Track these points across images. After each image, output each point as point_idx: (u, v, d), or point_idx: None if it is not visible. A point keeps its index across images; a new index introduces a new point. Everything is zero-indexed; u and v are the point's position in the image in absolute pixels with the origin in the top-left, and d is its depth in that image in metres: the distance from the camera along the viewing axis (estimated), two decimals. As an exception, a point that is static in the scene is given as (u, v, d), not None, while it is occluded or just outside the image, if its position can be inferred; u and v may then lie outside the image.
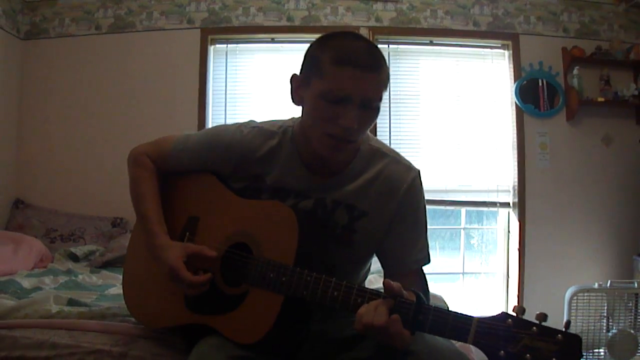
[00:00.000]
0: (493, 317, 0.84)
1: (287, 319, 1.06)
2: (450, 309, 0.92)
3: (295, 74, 1.15)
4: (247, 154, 1.22)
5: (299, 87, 1.13)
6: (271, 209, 1.15)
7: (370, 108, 1.07)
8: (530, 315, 0.84)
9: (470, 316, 0.87)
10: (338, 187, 1.20)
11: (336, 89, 1.04)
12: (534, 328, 0.81)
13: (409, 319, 0.90)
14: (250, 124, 1.26)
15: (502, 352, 0.81)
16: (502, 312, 0.84)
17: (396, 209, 1.19)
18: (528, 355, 0.79)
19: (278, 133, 1.23)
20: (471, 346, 1.48)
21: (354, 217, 1.19)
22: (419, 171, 1.23)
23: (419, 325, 0.90)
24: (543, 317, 0.81)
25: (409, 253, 1.20)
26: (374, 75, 1.05)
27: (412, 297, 0.94)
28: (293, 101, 1.16)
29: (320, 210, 1.19)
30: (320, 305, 1.04)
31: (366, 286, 1.07)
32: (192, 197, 1.30)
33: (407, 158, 1.25)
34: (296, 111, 1.23)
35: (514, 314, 0.83)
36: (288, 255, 1.07)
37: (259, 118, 1.31)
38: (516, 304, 0.85)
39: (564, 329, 0.80)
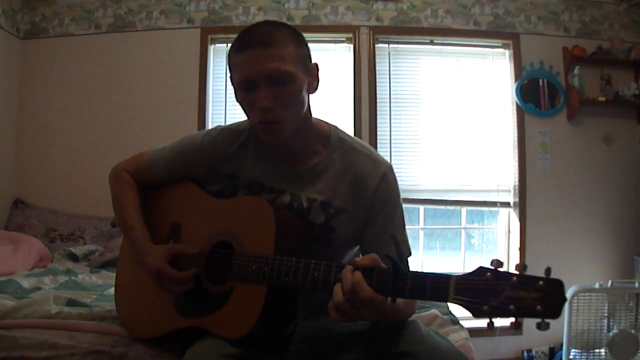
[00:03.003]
0: (471, 272, 0.83)
1: (273, 309, 1.06)
2: (428, 272, 0.90)
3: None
4: (218, 154, 1.25)
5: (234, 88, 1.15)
6: (247, 204, 1.18)
7: (281, 82, 1.07)
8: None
9: (448, 274, 0.86)
10: (309, 180, 1.20)
11: (241, 76, 1.07)
12: (514, 278, 0.78)
13: (389, 287, 0.89)
14: (218, 127, 1.30)
15: (485, 307, 0.79)
16: (479, 267, 0.82)
17: (370, 205, 1.19)
18: (511, 306, 0.77)
19: (245, 130, 1.26)
20: (471, 345, 1.48)
21: (330, 215, 1.19)
22: (389, 166, 1.23)
23: (399, 291, 0.89)
24: (522, 267, 0.79)
25: (388, 248, 1.19)
26: (270, 50, 1.05)
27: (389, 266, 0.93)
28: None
29: (296, 206, 1.20)
30: (306, 295, 1.04)
31: None
32: (172, 205, 1.33)
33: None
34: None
35: (492, 268, 0.81)
36: (267, 245, 1.08)
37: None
38: (494, 258, 0.82)
39: (544, 275, 0.77)
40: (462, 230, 3.46)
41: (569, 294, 2.75)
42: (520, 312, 0.77)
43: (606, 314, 2.71)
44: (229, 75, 1.15)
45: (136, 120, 3.16)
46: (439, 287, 0.84)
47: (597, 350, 2.72)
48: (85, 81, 3.23)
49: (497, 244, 3.41)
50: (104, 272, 2.37)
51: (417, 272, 0.89)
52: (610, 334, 2.67)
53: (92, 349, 1.32)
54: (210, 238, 1.19)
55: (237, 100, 1.16)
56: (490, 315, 0.79)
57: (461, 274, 0.83)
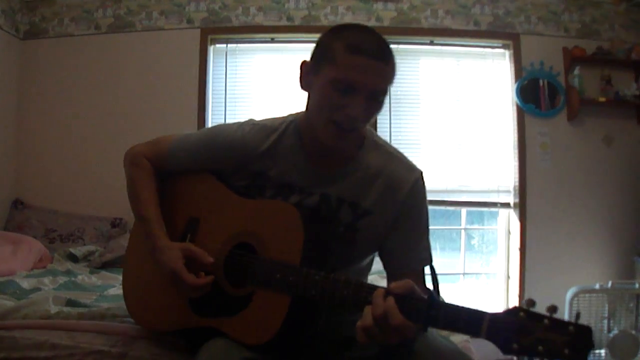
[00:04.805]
0: (505, 311, 0.85)
1: (295, 319, 1.05)
2: (460, 305, 0.91)
3: (305, 60, 1.15)
4: (249, 151, 1.21)
5: (309, 73, 1.13)
6: (275, 208, 1.14)
7: (376, 100, 1.08)
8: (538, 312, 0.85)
9: (482, 311, 0.87)
10: (341, 179, 1.19)
11: (347, 76, 1.04)
12: (546, 320, 0.81)
13: (422, 315, 0.89)
14: (251, 122, 1.26)
15: (514, 345, 0.81)
16: (515, 306, 0.85)
17: (399, 209, 1.19)
18: (540, 347, 0.79)
19: (279, 128, 1.22)
20: (471, 347, 1.48)
21: (358, 215, 1.18)
22: (421, 172, 1.23)
23: (432, 321, 0.89)
24: (553, 309, 0.82)
25: (411, 253, 1.20)
26: (384, 66, 1.06)
27: (424, 294, 0.93)
28: (301, 86, 1.16)
29: (324, 207, 1.18)
30: (328, 305, 1.02)
31: None
32: (192, 197, 1.28)
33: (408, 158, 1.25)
34: (296, 109, 1.23)
35: (526, 308, 0.84)
36: (294, 255, 1.06)
37: (259, 117, 1.30)
38: (528, 297, 0.86)
39: (574, 321, 0.81)
40: (462, 231, 3.46)
41: (569, 294, 2.75)
42: (548, 354, 0.79)
43: (606, 315, 2.71)
44: (316, 61, 1.10)
45: (136, 120, 3.15)
46: (473, 322, 0.85)
47: (598, 351, 2.73)
48: (84, 81, 3.22)
49: (497, 244, 3.41)
50: (103, 272, 2.37)
51: (451, 304, 0.90)
52: (611, 334, 2.67)
53: (92, 349, 1.32)
54: (230, 237, 1.16)
55: (304, 88, 1.14)
56: (519, 353, 0.81)
57: (496, 313, 0.85)
